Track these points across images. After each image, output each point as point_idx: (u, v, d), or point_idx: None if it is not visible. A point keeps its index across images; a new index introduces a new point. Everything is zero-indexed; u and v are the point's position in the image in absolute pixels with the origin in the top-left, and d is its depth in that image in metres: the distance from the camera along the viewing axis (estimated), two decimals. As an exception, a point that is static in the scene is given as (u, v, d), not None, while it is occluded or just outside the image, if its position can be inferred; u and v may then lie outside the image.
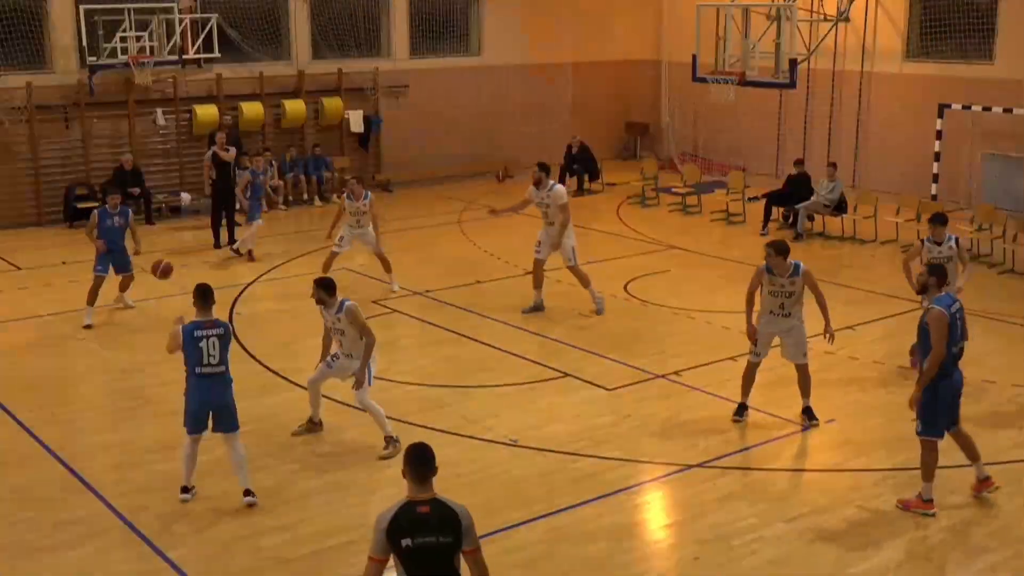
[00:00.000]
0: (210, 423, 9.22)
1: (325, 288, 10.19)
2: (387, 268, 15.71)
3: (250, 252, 17.84)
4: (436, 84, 24.40)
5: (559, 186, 14.73)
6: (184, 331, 9.02)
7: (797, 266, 10.70)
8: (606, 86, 26.92)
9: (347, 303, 10.14)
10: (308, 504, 9.24)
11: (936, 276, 9.01)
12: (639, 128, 27.71)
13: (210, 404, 9.11)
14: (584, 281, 14.62)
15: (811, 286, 10.77)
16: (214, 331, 9.01)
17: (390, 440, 10.29)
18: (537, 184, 14.53)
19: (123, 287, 14.89)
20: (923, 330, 8.80)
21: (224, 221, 18.64)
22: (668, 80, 26.44)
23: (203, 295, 9.24)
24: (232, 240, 18.54)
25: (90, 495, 9.42)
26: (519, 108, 25.70)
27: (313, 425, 10.77)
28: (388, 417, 10.96)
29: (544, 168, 14.68)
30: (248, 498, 9.19)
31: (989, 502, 9.18)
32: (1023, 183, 20.07)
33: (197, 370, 9.03)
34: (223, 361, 9.07)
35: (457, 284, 16.10)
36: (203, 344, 8.96)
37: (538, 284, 14.71)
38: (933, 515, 8.98)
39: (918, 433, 8.96)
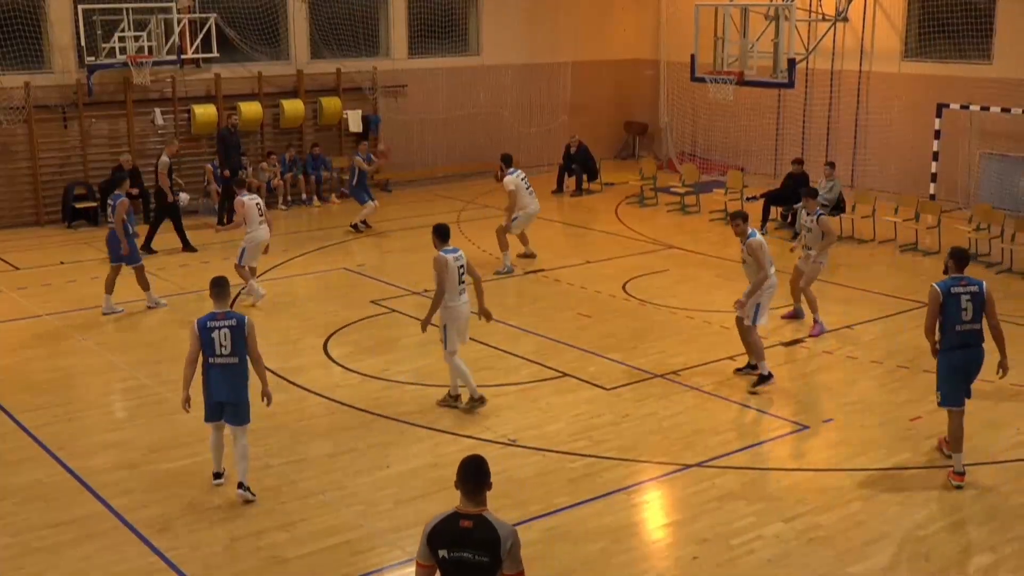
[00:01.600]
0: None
1: (435, 233, 10.97)
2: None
3: (365, 222, 19.73)
4: (435, 84, 24.41)
5: (507, 177, 16.92)
6: (198, 323, 9.11)
7: (751, 235, 11.87)
8: (605, 86, 26.94)
9: (436, 255, 10.89)
10: (307, 504, 9.25)
11: (954, 259, 9.62)
12: (638, 128, 27.73)
13: (222, 395, 9.15)
14: (502, 246, 16.78)
15: (755, 258, 11.78)
16: (226, 323, 9.05)
17: (452, 399, 11.28)
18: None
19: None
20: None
21: (172, 227, 18.31)
22: (667, 80, 26.45)
23: (215, 287, 9.31)
24: (188, 247, 18.22)
25: (90, 495, 9.42)
26: (518, 108, 25.72)
27: (474, 402, 11.22)
28: (388, 417, 11.02)
29: (502, 158, 17.39)
30: (241, 491, 9.22)
31: (988, 501, 9.21)
32: (1021, 182, 20.12)
33: (210, 360, 9.11)
34: (236, 352, 9.06)
35: (456, 284, 16.09)
36: (215, 335, 9.02)
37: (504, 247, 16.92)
38: (960, 487, 9.43)
39: (939, 404, 9.69)
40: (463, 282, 10.99)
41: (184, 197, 21.14)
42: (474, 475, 5.45)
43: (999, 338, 9.58)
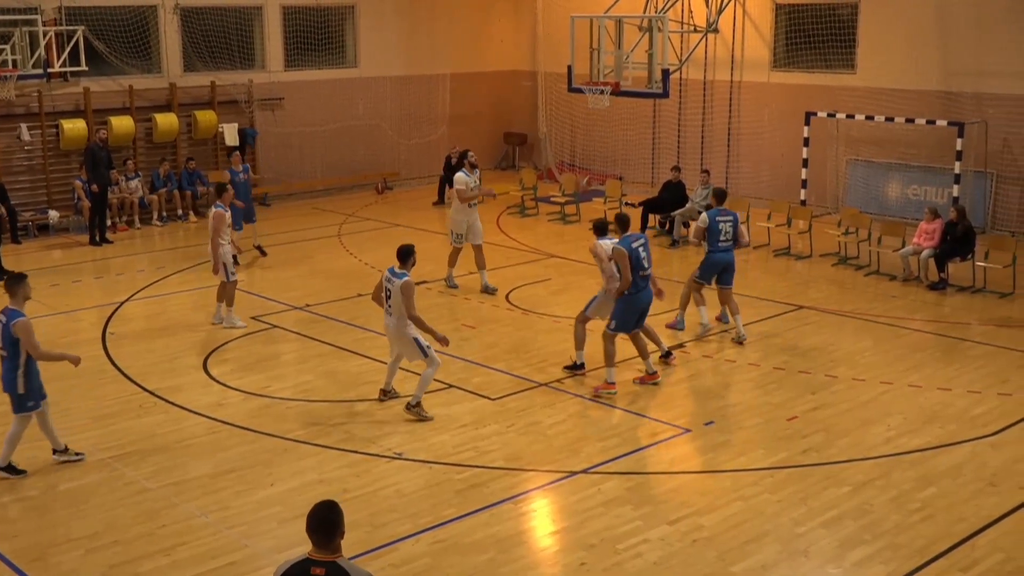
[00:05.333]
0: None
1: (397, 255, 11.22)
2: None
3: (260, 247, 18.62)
4: (313, 96, 24.19)
5: (458, 174, 16.35)
6: None
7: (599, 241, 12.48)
8: (484, 97, 27.07)
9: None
10: (188, 527, 9.04)
11: (619, 223, 12.20)
12: (517, 138, 27.93)
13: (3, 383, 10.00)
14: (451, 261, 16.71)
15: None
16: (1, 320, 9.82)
17: (411, 404, 11.35)
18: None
19: None
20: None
21: None
22: (545, 91, 26.72)
23: (5, 283, 10.15)
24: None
25: (-43, 527, 9.05)
26: (398, 119, 25.66)
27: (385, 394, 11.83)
28: (271, 434, 10.86)
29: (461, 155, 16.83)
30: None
31: (863, 496, 9.51)
32: (886, 187, 20.90)
33: None
34: (5, 347, 9.73)
35: (338, 297, 15.96)
36: None
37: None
38: (615, 393, 11.82)
39: (610, 329, 11.98)
40: (389, 304, 11.09)
41: (53, 215, 20.56)
42: (324, 524, 5.22)
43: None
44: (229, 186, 15.07)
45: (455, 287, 16.41)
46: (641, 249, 11.92)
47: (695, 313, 14.18)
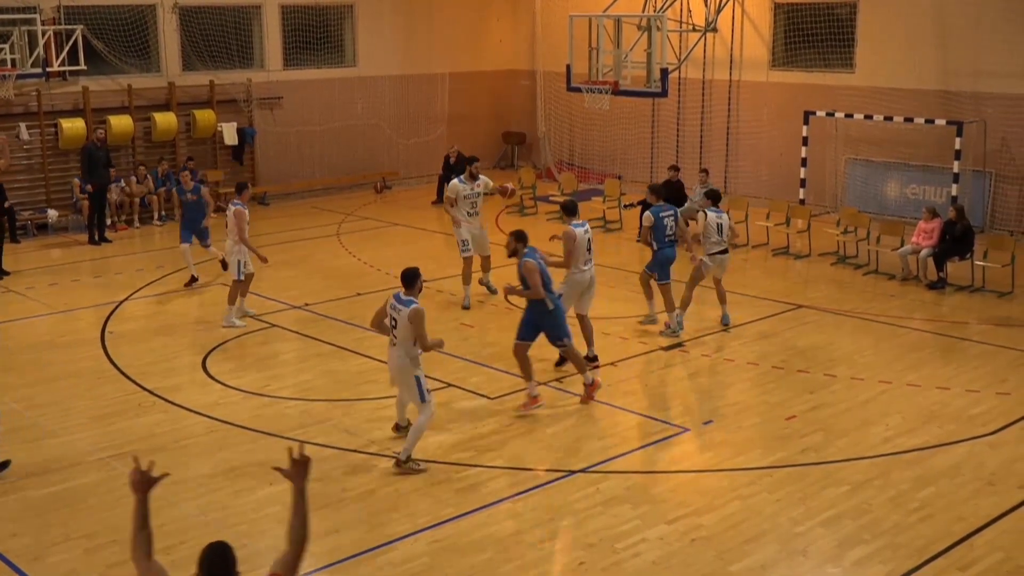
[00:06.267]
0: None
1: (401, 279, 10.02)
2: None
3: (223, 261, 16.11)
4: (311, 95, 24.19)
5: (453, 181, 15.87)
6: None
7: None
8: (482, 96, 27.06)
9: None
10: (188, 526, 9.03)
11: (520, 241, 11.53)
12: (516, 137, 27.92)
13: None
14: (465, 279, 15.62)
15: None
16: None
17: (401, 460, 10.00)
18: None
19: None
20: (523, 277, 11.42)
21: None
22: (543, 90, 26.72)
23: None
24: None
25: (-44, 526, 9.05)
26: (396, 119, 25.66)
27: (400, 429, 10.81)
28: (270, 433, 10.85)
29: (468, 159, 16.32)
30: None
31: (861, 496, 9.52)
32: (885, 187, 20.92)
33: None
34: None
35: (337, 297, 15.97)
36: None
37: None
38: (542, 406, 11.41)
39: (561, 344, 11.71)
40: (395, 333, 9.91)
41: (52, 214, 20.56)
42: (221, 570, 5.00)
43: None
44: (249, 184, 14.98)
45: (467, 308, 15.41)
46: (544, 261, 11.52)
47: (695, 312, 14.18)
